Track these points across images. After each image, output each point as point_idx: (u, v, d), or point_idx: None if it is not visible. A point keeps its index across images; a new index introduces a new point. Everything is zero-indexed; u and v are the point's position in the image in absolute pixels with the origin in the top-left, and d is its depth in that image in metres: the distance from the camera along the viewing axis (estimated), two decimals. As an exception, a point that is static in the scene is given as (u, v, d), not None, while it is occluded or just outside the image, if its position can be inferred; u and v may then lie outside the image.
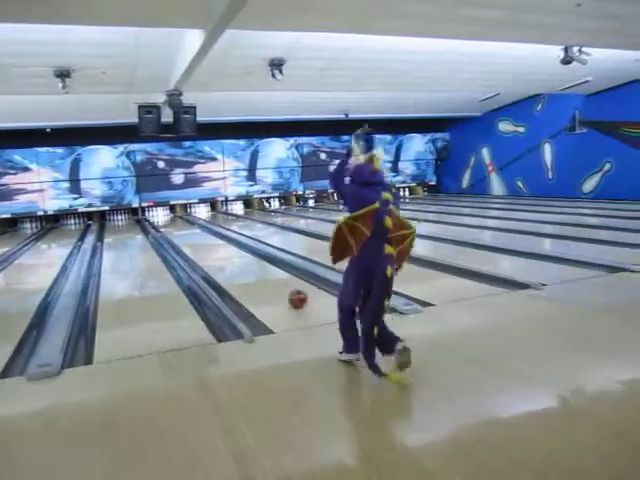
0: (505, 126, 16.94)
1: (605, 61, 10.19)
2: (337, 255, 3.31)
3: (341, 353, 3.46)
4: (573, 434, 2.42)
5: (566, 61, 8.87)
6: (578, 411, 2.64)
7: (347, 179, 3.47)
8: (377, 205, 3.16)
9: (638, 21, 7.31)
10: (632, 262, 5.77)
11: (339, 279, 5.73)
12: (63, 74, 8.36)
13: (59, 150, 15.74)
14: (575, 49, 8.78)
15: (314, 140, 18.59)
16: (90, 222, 16.06)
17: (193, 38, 6.97)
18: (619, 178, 13.20)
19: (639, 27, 7.61)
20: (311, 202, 18.91)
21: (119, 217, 16.73)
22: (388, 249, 3.18)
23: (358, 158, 3.49)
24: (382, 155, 3.49)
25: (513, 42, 8.59)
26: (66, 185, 15.90)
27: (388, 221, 3.16)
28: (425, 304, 4.66)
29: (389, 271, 3.15)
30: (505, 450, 2.34)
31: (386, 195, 3.27)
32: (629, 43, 8.68)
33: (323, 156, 18.78)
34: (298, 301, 4.78)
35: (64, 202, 15.91)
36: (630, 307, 4.46)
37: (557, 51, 8.90)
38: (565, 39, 8.44)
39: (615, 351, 3.45)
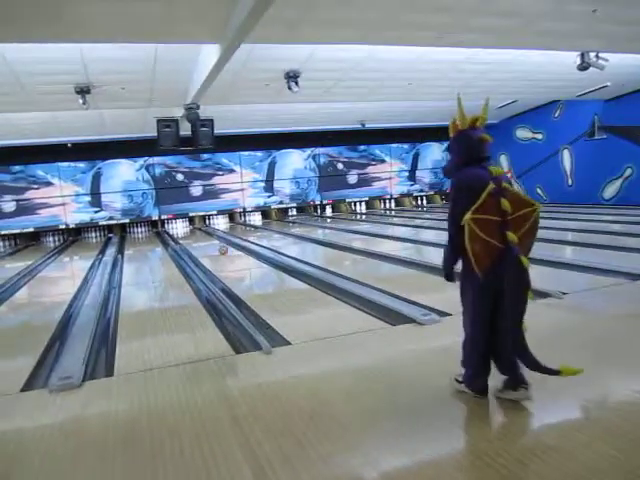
0: (523, 133, 16.82)
1: (624, 66, 10.09)
2: (483, 260, 2.71)
3: (460, 382, 3.02)
4: (595, 446, 2.38)
5: (583, 67, 8.81)
6: (600, 423, 2.60)
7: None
8: (492, 185, 2.68)
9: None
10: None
11: (356, 289, 5.79)
12: (83, 90, 8.52)
13: (80, 165, 16.01)
14: (592, 55, 8.71)
15: (331, 150, 18.65)
16: (111, 235, 16.29)
17: (209, 52, 7.07)
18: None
19: (657, 31, 7.53)
20: (329, 212, 18.96)
21: (139, 230, 16.94)
22: (511, 236, 2.67)
23: (461, 122, 2.90)
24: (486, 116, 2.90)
25: (529, 49, 8.54)
26: (87, 199, 16.15)
27: (505, 203, 2.67)
28: (443, 314, 4.63)
29: (524, 260, 2.66)
30: (523, 457, 2.31)
31: (496, 170, 2.78)
32: (647, 47, 8.59)
33: (340, 166, 18.83)
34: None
35: (85, 215, 16.16)
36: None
37: (574, 57, 8.84)
38: (581, 45, 8.38)
39: (631, 359, 3.39)
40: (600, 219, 10.99)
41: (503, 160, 17.78)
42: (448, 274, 2.98)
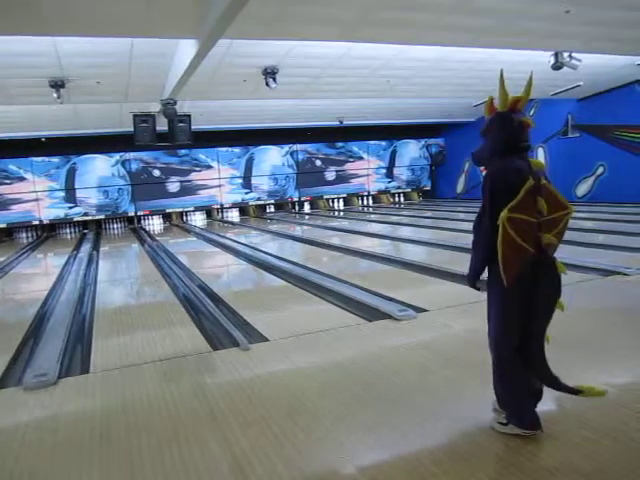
0: (499, 131, 17.00)
1: (596, 66, 10.30)
2: (513, 267, 2.33)
3: (505, 424, 2.50)
4: (567, 437, 2.45)
5: (557, 67, 8.98)
6: (572, 415, 2.67)
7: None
8: (532, 182, 2.31)
9: (626, 26, 7.40)
10: (626, 265, 5.82)
11: (333, 285, 5.82)
12: (57, 84, 8.40)
13: (54, 159, 15.76)
14: (565, 55, 8.88)
15: (309, 147, 18.66)
16: (86, 231, 16.07)
17: (187, 47, 7.02)
18: (612, 181, 13.29)
19: (627, 32, 7.70)
20: (307, 208, 18.98)
21: (115, 226, 16.75)
22: (548, 238, 2.36)
23: (502, 101, 2.46)
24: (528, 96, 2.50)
25: (505, 48, 8.67)
26: (62, 194, 15.91)
27: (542, 203, 2.33)
28: (419, 310, 4.68)
29: (561, 266, 2.40)
30: (500, 452, 2.37)
31: (536, 163, 2.42)
32: (618, 48, 8.77)
33: (318, 163, 18.85)
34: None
35: (60, 211, 15.92)
36: (624, 310, 4.49)
37: (548, 57, 8.99)
38: (555, 45, 8.53)
39: (608, 354, 3.48)
40: (573, 216, 11.17)
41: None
42: (474, 284, 2.59)
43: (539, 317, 2.43)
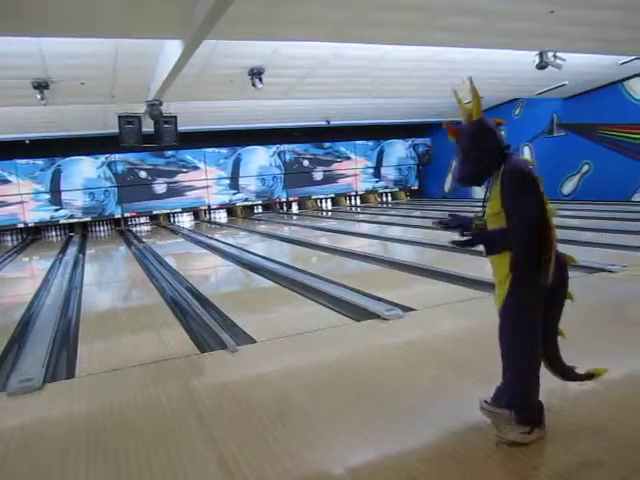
0: (485, 130, 17.09)
1: (580, 65, 10.39)
2: (552, 265, 2.38)
3: (527, 433, 2.37)
4: (555, 435, 2.46)
5: (541, 66, 9.04)
6: (559, 412, 2.68)
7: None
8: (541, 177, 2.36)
9: (609, 27, 7.48)
10: (611, 262, 5.86)
11: (321, 285, 5.81)
12: (41, 85, 8.31)
13: (39, 162, 15.61)
14: (550, 54, 8.95)
15: (296, 147, 18.65)
16: (72, 234, 15.92)
17: (172, 48, 6.98)
18: (598, 179, 13.42)
19: (612, 32, 7.77)
20: (295, 209, 18.97)
21: (101, 228, 16.62)
22: (555, 231, 2.41)
23: (477, 109, 2.44)
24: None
25: (491, 48, 8.72)
26: (47, 197, 15.76)
27: (546, 198, 2.36)
28: (407, 309, 4.69)
29: (570, 257, 2.56)
30: (487, 450, 2.37)
31: (530, 160, 2.48)
32: (602, 48, 8.85)
33: (306, 163, 18.85)
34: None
35: (45, 214, 15.77)
36: (609, 307, 4.53)
37: (533, 56, 9.06)
38: (539, 45, 8.59)
39: (594, 351, 3.50)
40: (559, 214, 11.26)
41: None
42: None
43: (556, 313, 2.56)
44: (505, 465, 2.28)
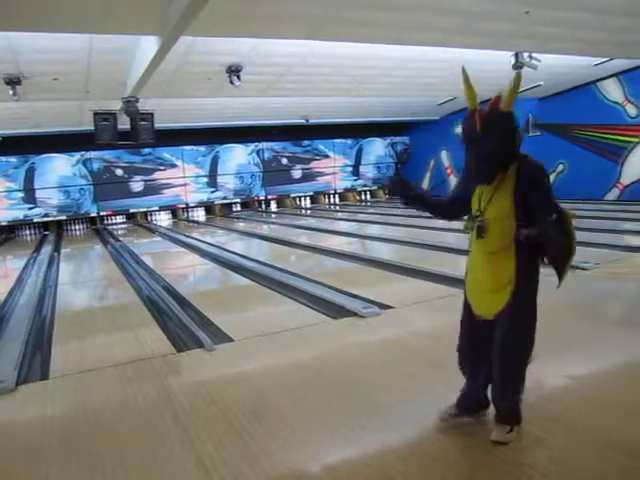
0: (462, 129, 17.24)
1: (555, 66, 10.53)
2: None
3: (507, 432, 2.39)
4: (531, 432, 2.48)
5: (517, 66, 9.14)
6: (534, 409, 2.71)
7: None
8: None
9: (583, 28, 7.59)
10: (584, 260, 5.95)
11: (299, 284, 5.80)
12: (13, 81, 8.14)
13: (12, 159, 15.28)
14: (525, 55, 9.05)
15: (275, 145, 18.58)
16: (47, 232, 15.62)
17: (149, 44, 6.89)
18: (572, 179, 13.63)
19: (584, 34, 7.89)
20: (273, 207, 18.91)
21: (77, 227, 16.35)
22: None
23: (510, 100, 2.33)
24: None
25: (467, 48, 8.78)
26: (20, 195, 15.45)
27: None
28: (385, 306, 4.71)
29: None
30: (464, 448, 2.40)
31: None
32: (577, 49, 8.98)
33: (284, 161, 18.80)
34: None
35: (19, 212, 15.45)
36: (583, 304, 4.61)
37: (509, 57, 9.16)
38: (515, 45, 8.68)
39: (568, 348, 3.56)
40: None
41: (444, 155, 18.22)
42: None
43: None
44: (481, 461, 2.31)
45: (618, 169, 12.78)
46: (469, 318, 2.50)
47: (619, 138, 12.69)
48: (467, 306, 2.52)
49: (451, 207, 2.65)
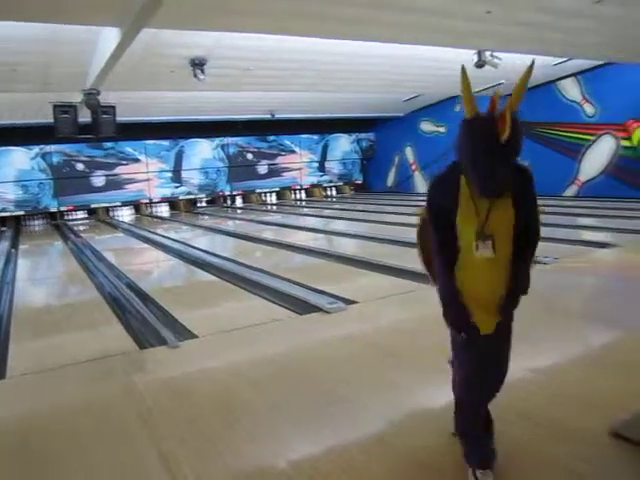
0: (427, 126, 17.47)
1: (517, 65, 10.72)
2: None
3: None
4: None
5: (479, 65, 9.30)
6: (495, 401, 2.77)
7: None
8: None
9: (544, 29, 7.75)
10: (544, 255, 6.10)
11: (265, 280, 5.79)
12: (-33, 71, 7.87)
13: (-33, 152, 14.79)
14: (487, 53, 9.21)
15: (240, 140, 18.45)
16: (4, 228, 15.13)
17: (110, 35, 6.74)
18: (534, 176, 13.94)
19: (545, 34, 8.07)
20: (239, 202, 18.78)
21: (36, 222, 15.91)
22: None
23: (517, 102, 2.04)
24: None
25: (428, 45, 8.87)
26: (-24, 189, 14.97)
27: None
28: (350, 302, 4.74)
29: None
30: (426, 437, 2.43)
31: None
32: (537, 49, 9.17)
33: (250, 156, 18.69)
34: None
35: (-26, 207, 14.98)
36: (543, 299, 4.71)
37: (472, 55, 9.30)
38: (477, 43, 8.82)
39: (528, 341, 3.63)
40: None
41: (409, 152, 18.41)
42: None
43: None
44: (443, 452, 2.34)
45: (576, 166, 13.16)
46: (474, 338, 2.20)
47: (577, 136, 13.06)
48: (468, 328, 2.19)
49: (453, 248, 2.15)
